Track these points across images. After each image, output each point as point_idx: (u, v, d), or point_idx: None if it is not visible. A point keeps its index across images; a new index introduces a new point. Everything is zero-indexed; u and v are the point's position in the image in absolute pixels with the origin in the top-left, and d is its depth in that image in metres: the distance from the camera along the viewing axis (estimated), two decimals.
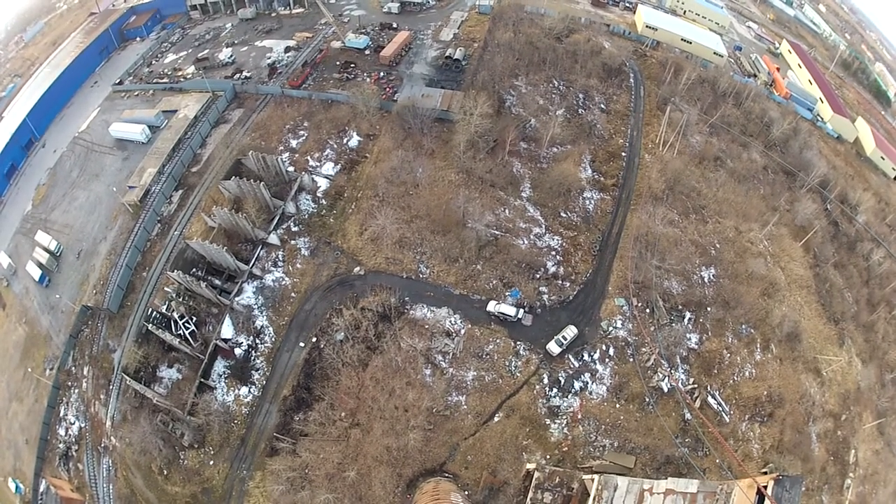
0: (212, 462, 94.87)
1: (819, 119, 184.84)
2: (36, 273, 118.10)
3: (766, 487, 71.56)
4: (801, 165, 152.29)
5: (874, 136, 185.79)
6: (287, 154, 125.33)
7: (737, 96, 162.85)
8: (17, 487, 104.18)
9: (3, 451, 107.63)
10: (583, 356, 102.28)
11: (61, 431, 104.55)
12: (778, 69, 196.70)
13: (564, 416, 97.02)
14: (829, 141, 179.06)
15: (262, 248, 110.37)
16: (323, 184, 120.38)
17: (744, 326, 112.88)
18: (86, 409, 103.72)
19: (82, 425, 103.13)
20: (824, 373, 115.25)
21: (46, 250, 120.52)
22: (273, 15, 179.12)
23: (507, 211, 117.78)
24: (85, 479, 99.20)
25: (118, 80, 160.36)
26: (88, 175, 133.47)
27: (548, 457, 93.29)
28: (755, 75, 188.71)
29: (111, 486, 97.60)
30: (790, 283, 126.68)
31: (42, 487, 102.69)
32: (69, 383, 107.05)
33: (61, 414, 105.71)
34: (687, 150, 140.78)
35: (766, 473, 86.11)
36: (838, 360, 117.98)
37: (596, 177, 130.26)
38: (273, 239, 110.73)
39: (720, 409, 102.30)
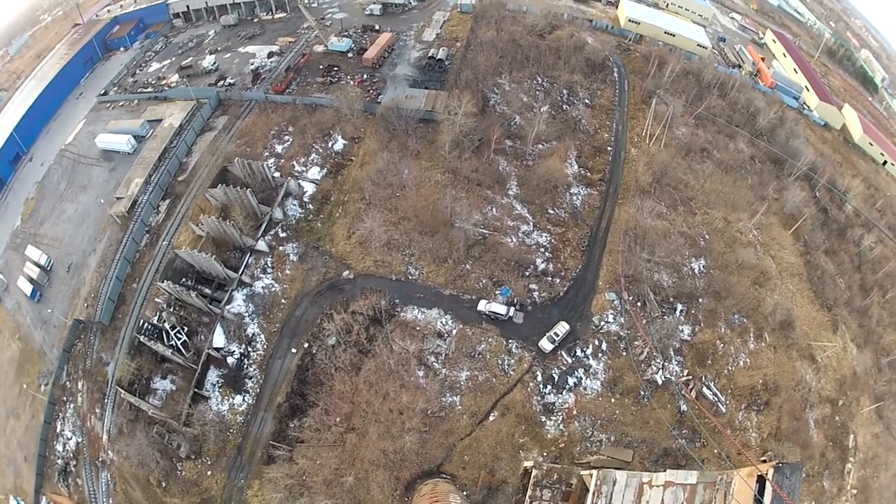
0: (209, 472, 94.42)
1: (805, 107, 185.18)
2: (27, 288, 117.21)
3: (766, 473, 71.61)
4: (788, 154, 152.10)
5: (861, 122, 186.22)
6: (273, 160, 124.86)
7: (722, 87, 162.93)
8: None
9: (3, 468, 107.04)
10: (575, 352, 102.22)
11: (59, 447, 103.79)
12: (763, 59, 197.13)
13: (560, 413, 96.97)
14: (815, 129, 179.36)
15: (250, 256, 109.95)
16: (309, 188, 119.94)
17: (736, 316, 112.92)
18: (82, 424, 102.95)
19: (79, 440, 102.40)
20: (819, 359, 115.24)
21: (37, 265, 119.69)
22: (255, 21, 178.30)
23: (494, 209, 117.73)
24: (85, 495, 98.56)
25: (103, 91, 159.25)
26: (76, 187, 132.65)
27: (545, 454, 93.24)
28: (740, 66, 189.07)
29: (111, 501, 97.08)
30: (781, 271, 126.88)
31: None
32: (64, 398, 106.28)
33: (58, 429, 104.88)
34: (673, 143, 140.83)
35: (765, 461, 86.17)
36: (833, 346, 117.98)
37: (582, 172, 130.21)
38: (261, 246, 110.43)
39: (716, 399, 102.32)
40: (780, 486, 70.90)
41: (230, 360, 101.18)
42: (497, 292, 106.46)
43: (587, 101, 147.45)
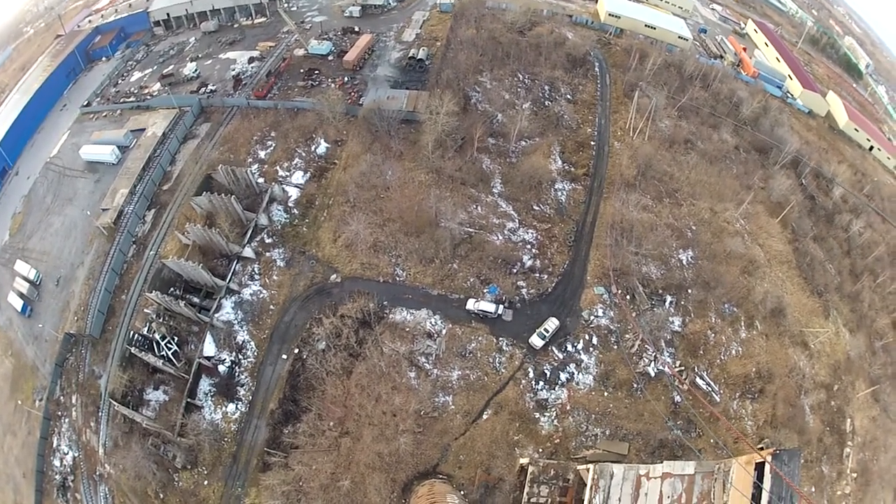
0: (206, 482, 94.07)
1: (789, 96, 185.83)
2: (18, 303, 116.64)
3: (766, 459, 71.61)
4: (773, 142, 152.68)
5: (846, 108, 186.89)
6: (256, 165, 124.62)
7: (704, 78, 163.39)
8: None
9: (1, 486, 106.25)
10: (566, 347, 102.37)
11: (56, 462, 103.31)
12: (745, 49, 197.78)
13: (553, 409, 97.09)
14: (800, 117, 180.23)
15: (237, 263, 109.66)
16: (294, 193, 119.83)
17: (726, 305, 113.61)
18: (78, 438, 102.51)
19: (76, 454, 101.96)
20: (812, 345, 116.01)
21: (26, 279, 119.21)
22: (235, 26, 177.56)
23: (479, 208, 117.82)
24: None
25: (86, 102, 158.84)
26: (62, 200, 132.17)
27: (540, 450, 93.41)
28: (721, 56, 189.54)
29: None
30: (770, 259, 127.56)
31: None
32: (59, 413, 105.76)
33: (54, 445, 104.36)
34: (657, 135, 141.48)
35: (762, 449, 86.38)
36: (825, 331, 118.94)
37: (566, 167, 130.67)
38: (248, 252, 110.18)
39: (709, 389, 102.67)
40: (778, 472, 70.91)
41: (221, 368, 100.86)
42: (485, 291, 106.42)
43: (569, 96, 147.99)
